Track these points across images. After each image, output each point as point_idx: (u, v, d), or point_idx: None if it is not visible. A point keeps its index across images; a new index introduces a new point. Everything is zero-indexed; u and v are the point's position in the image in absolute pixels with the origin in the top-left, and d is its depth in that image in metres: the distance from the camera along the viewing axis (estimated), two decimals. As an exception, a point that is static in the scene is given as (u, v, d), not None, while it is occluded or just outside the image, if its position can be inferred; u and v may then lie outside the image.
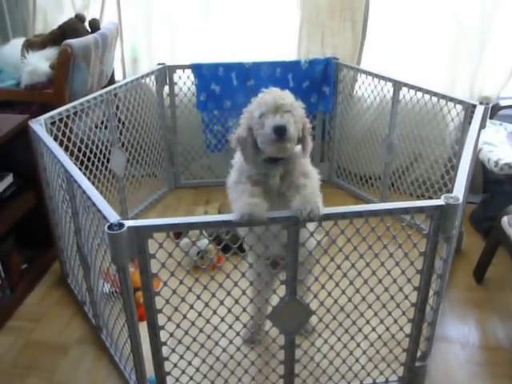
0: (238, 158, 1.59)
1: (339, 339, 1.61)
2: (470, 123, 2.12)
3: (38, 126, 1.92)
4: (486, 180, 2.67)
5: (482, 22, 2.56)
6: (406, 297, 1.54)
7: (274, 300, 1.50)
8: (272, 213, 1.36)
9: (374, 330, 1.61)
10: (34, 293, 2.16)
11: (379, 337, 1.63)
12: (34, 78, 2.52)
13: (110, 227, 1.27)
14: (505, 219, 2.03)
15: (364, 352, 1.65)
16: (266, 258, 1.50)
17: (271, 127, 1.40)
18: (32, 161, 2.04)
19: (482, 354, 1.88)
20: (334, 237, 1.40)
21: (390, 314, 1.58)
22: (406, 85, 2.44)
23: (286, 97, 1.47)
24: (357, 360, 1.66)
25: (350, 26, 2.70)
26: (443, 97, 2.33)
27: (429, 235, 1.44)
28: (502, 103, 2.67)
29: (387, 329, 1.61)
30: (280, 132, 1.40)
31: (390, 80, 2.50)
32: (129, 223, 1.29)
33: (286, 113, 1.43)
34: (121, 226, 1.28)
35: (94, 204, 1.44)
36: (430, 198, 2.53)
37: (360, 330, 1.61)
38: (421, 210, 1.40)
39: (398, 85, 2.46)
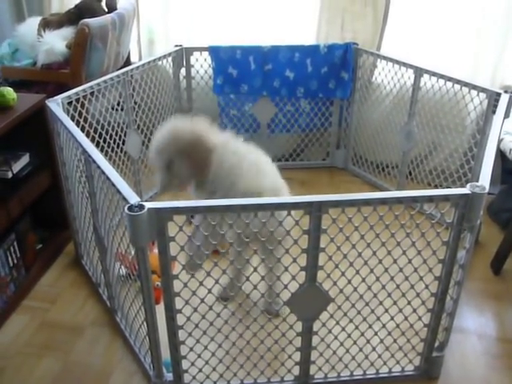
0: None
1: (357, 327, 1.59)
2: (493, 112, 2.08)
3: (56, 105, 1.90)
4: (505, 171, 2.63)
5: (506, 9, 2.50)
6: (427, 286, 1.52)
7: (293, 287, 1.48)
8: (294, 198, 1.33)
9: (392, 318, 1.59)
10: (49, 273, 2.16)
11: (397, 326, 1.61)
12: (50, 58, 2.50)
13: (130, 208, 1.26)
14: (526, 211, 1.99)
15: (381, 341, 1.63)
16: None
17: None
18: (48, 141, 2.03)
19: (499, 346, 1.85)
20: (356, 224, 1.38)
21: (409, 303, 1.55)
22: (427, 72, 2.39)
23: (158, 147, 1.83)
24: (374, 349, 1.64)
25: (371, 11, 2.65)
26: (466, 84, 2.28)
27: (452, 224, 1.41)
28: (525, 93, 2.62)
29: (406, 318, 1.59)
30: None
31: (411, 66, 2.45)
32: (149, 205, 1.27)
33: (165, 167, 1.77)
34: (141, 207, 1.26)
35: (113, 185, 1.42)
36: (448, 187, 2.49)
37: (378, 318, 1.59)
38: (446, 198, 1.37)
39: (419, 71, 2.41)
